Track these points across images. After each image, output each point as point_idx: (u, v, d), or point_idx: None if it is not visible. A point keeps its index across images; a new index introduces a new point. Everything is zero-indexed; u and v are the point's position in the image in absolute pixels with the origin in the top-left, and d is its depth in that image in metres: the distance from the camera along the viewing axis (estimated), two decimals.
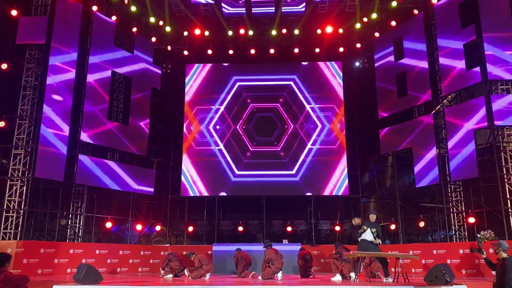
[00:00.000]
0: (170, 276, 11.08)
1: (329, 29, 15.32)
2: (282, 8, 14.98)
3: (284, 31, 15.77)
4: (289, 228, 15.09)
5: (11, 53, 12.89)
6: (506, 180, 11.87)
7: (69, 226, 13.61)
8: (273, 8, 15.07)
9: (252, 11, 15.09)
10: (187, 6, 15.09)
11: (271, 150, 16.09)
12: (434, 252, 12.15)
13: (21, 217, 11.90)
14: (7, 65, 12.53)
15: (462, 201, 13.50)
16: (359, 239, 9.38)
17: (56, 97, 12.38)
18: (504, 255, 6.41)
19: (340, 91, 16.29)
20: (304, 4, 14.95)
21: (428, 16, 14.05)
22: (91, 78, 13.44)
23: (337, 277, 9.67)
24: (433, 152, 13.24)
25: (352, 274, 10.34)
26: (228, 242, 11.15)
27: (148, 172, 14.90)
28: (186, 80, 16.66)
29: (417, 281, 8.59)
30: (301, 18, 15.47)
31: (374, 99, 15.10)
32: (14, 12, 12.58)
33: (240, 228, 15.04)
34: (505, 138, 12.38)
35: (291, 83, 16.60)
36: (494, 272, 6.89)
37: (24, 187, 12.15)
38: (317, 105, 16.28)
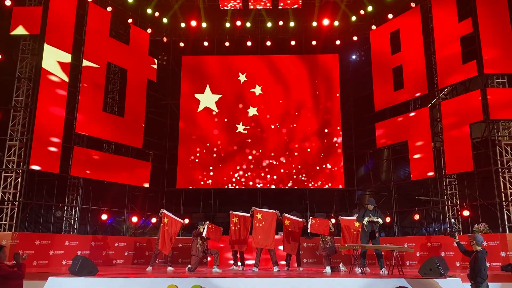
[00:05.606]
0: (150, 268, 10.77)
1: (325, 22, 15.28)
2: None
3: (280, 23, 15.71)
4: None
5: (5, 43, 12.78)
6: (500, 173, 11.95)
7: (64, 218, 13.59)
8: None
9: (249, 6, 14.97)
10: None
11: None
12: (429, 244, 12.23)
13: (16, 209, 11.88)
14: (1, 56, 12.43)
15: (457, 194, 13.58)
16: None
17: (51, 88, 12.28)
18: (478, 248, 6.72)
19: (336, 84, 16.24)
20: None
21: (425, 9, 14.02)
22: (86, 69, 13.33)
23: (327, 270, 9.71)
24: (428, 145, 13.28)
25: (341, 266, 10.50)
26: (224, 234, 11.28)
27: (144, 165, 14.85)
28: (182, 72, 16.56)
29: (412, 274, 8.66)
30: (297, 10, 15.38)
31: (371, 92, 15.10)
32: (8, 2, 12.41)
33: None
34: (500, 132, 12.42)
35: None
36: None
37: (19, 179, 12.11)
38: (313, 98, 16.24)
